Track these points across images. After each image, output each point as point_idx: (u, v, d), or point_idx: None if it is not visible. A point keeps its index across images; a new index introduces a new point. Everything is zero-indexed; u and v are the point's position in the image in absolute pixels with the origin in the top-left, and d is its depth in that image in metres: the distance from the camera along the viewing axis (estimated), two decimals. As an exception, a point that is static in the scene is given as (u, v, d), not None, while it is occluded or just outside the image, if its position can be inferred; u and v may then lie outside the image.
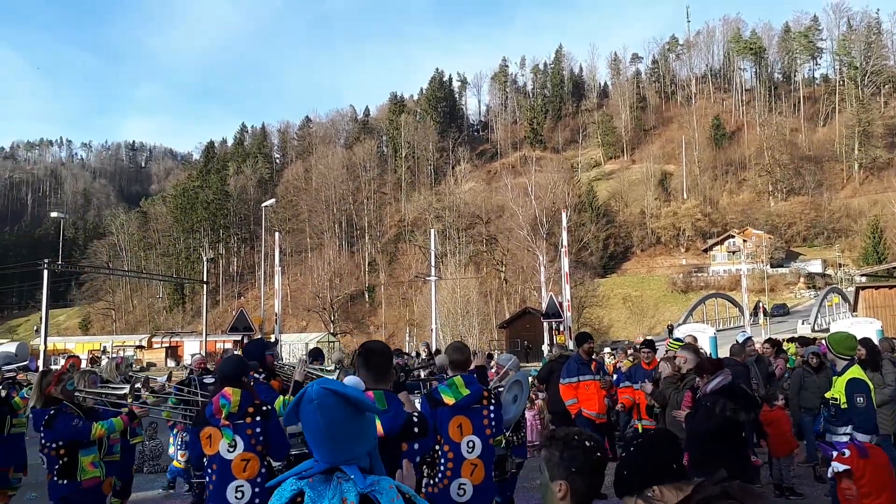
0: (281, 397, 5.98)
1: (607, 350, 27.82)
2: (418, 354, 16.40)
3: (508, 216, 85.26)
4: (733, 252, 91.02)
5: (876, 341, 9.05)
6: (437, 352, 14.78)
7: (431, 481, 4.50)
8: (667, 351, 8.92)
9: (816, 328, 47.42)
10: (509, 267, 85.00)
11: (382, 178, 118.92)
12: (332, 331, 78.86)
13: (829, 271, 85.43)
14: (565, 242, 31.81)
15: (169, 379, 22.90)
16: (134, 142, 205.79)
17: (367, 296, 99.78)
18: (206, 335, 45.43)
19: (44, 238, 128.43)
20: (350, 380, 4.43)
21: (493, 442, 4.73)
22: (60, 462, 5.57)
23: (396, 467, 3.58)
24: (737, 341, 10.77)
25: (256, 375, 5.96)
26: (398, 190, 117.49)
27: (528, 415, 10.50)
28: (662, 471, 2.11)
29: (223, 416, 4.29)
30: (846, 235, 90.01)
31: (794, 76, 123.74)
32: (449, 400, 4.57)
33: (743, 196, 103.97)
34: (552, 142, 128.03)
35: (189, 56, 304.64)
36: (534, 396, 12.06)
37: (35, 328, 74.35)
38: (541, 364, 18.01)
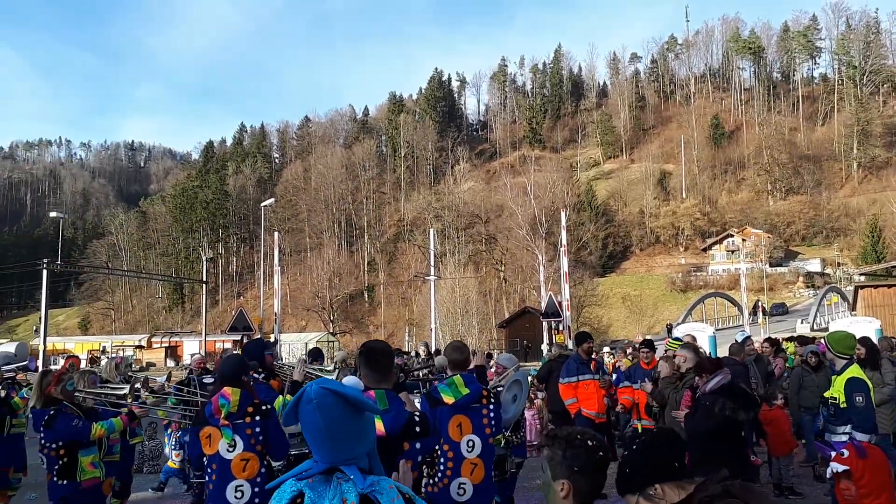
0: (280, 397, 5.98)
1: (606, 349, 27.83)
2: (417, 354, 16.39)
3: (507, 216, 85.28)
4: (732, 251, 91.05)
5: (875, 340, 9.06)
6: (437, 352, 14.78)
7: (431, 481, 4.50)
8: (666, 350, 8.92)
9: (815, 327, 47.43)
10: (508, 266, 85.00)
11: (381, 178, 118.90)
12: (331, 330, 78.81)
13: (828, 270, 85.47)
14: (564, 242, 31.83)
15: (168, 379, 22.89)
16: (133, 141, 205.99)
17: (366, 295, 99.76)
18: (206, 335, 45.42)
19: (43, 238, 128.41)
20: (349, 380, 4.43)
21: (492, 441, 4.73)
22: (60, 462, 5.57)
23: (398, 467, 3.59)
24: (736, 340, 10.78)
25: (256, 375, 5.96)
26: (397, 189, 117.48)
27: (527, 414, 10.50)
28: (664, 469, 2.12)
29: (222, 415, 4.29)
30: (845, 234, 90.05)
31: (793, 75, 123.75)
32: (448, 399, 4.57)
33: (742, 195, 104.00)
34: (551, 141, 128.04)
35: (189, 56, 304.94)
36: (533, 396, 12.06)
37: (34, 328, 74.27)
38: (540, 363, 18.02)
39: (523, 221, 78.40)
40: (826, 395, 6.51)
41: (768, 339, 13.67)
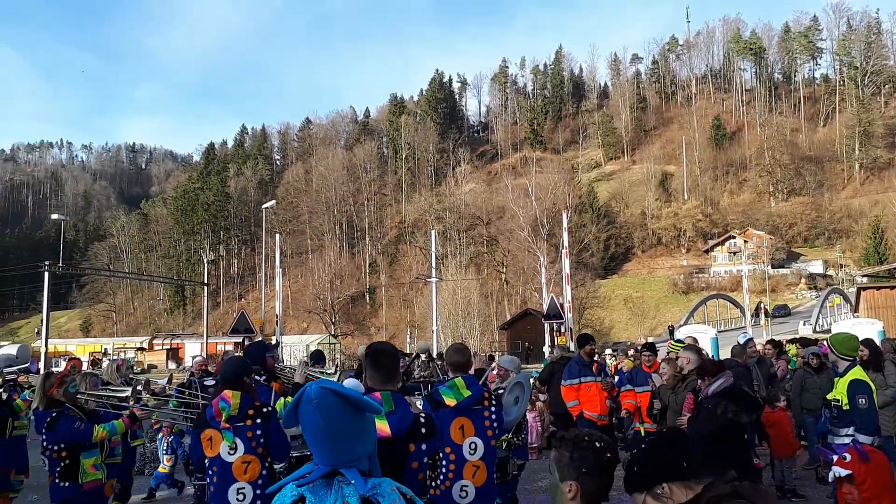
0: (282, 399, 5.98)
1: (608, 351, 27.83)
2: (418, 356, 16.35)
3: (509, 217, 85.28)
4: (734, 253, 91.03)
5: (877, 342, 9.04)
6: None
7: (433, 483, 4.49)
8: (668, 352, 8.91)
9: (818, 329, 47.40)
10: (510, 268, 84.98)
11: (383, 180, 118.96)
12: (332, 332, 78.82)
13: (831, 272, 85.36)
14: (566, 243, 31.80)
15: (169, 381, 22.89)
16: (134, 143, 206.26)
17: (367, 297, 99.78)
18: (207, 337, 45.35)
19: (44, 240, 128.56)
20: (350, 382, 4.43)
21: (494, 443, 4.72)
22: (62, 464, 5.57)
23: (404, 468, 3.59)
24: (738, 342, 10.76)
25: (257, 378, 5.96)
26: (398, 191, 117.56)
27: (528, 416, 10.49)
28: (672, 469, 2.12)
29: (223, 418, 4.29)
30: (847, 236, 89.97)
31: (795, 76, 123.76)
32: (450, 401, 4.56)
33: (743, 196, 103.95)
34: (552, 142, 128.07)
35: (189, 56, 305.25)
36: (534, 398, 12.05)
37: (36, 330, 74.49)
38: (542, 366, 18.00)
39: (525, 223, 78.39)
40: (829, 397, 6.50)
41: (770, 341, 13.66)
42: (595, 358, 10.05)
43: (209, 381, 9.09)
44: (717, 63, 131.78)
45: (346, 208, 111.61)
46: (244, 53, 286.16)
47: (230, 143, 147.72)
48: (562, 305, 29.94)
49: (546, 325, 33.39)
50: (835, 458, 4.69)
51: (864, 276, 57.24)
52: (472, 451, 4.51)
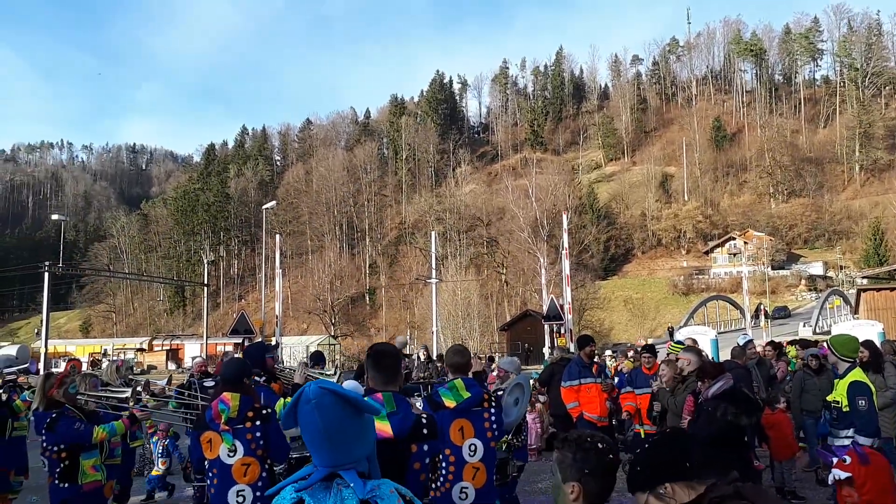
0: (282, 399, 5.98)
1: (608, 353, 27.83)
2: (418, 357, 16.35)
3: (509, 218, 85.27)
4: (734, 254, 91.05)
5: (877, 344, 9.04)
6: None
7: (433, 485, 4.49)
8: (668, 354, 8.90)
9: (818, 330, 47.41)
10: (510, 269, 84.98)
11: (383, 181, 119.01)
12: (332, 333, 78.82)
13: (831, 273, 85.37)
14: (566, 244, 31.81)
15: (169, 382, 22.89)
16: (135, 144, 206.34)
17: (367, 298, 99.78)
18: (207, 338, 45.38)
19: (44, 241, 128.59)
20: (349, 384, 4.43)
21: (494, 445, 4.72)
22: (62, 465, 5.57)
23: (406, 469, 3.59)
24: (738, 344, 10.75)
25: (257, 379, 5.95)
26: (399, 192, 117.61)
27: (528, 417, 10.48)
28: (675, 469, 2.12)
29: (222, 420, 4.29)
30: (847, 237, 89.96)
31: (795, 78, 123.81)
32: (450, 403, 4.56)
33: (744, 198, 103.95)
34: (553, 144, 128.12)
35: (189, 57, 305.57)
36: (534, 400, 12.05)
37: (36, 331, 74.50)
38: (542, 367, 18.00)
39: (525, 224, 78.39)
40: (829, 398, 6.49)
41: (771, 343, 13.65)
42: (595, 359, 10.04)
43: (209, 383, 9.09)
44: (718, 64, 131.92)
45: (346, 209, 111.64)
46: (244, 54, 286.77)
47: (230, 144, 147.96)
48: (562, 307, 29.95)
49: (546, 326, 33.39)
50: (834, 460, 4.69)
51: (864, 277, 57.23)
52: (471, 453, 4.50)
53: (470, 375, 5.09)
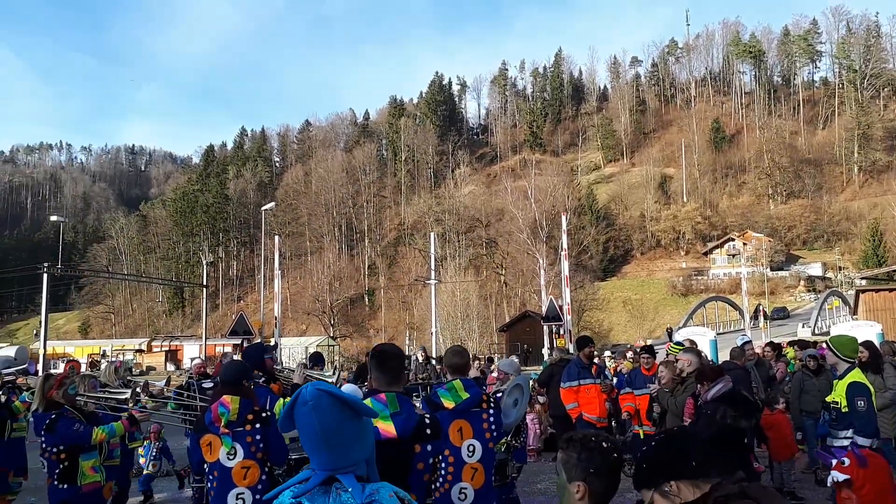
0: (281, 400, 5.97)
1: (608, 353, 27.82)
2: (416, 359, 16.38)
3: (508, 219, 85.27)
4: (733, 255, 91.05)
5: (876, 344, 9.04)
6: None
7: (432, 486, 4.49)
8: (667, 355, 8.90)
9: (817, 331, 47.39)
10: (509, 270, 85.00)
11: (382, 182, 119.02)
12: (331, 334, 78.80)
13: (829, 274, 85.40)
14: (565, 246, 31.80)
15: (168, 383, 22.91)
16: (134, 145, 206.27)
17: (366, 299, 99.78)
18: (206, 339, 45.39)
19: (43, 242, 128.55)
20: (348, 387, 4.43)
21: (492, 446, 4.72)
22: (61, 466, 5.56)
23: (409, 469, 3.59)
24: (737, 345, 10.76)
25: (256, 380, 5.95)
26: (398, 193, 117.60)
27: (526, 418, 10.48)
28: (681, 467, 2.13)
29: (222, 423, 4.28)
30: (846, 238, 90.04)
31: (794, 79, 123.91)
32: (449, 404, 4.56)
33: (743, 199, 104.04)
34: (552, 145, 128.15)
35: (189, 57, 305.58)
36: (533, 400, 12.04)
37: (34, 332, 74.34)
38: (541, 368, 18.00)
39: (524, 225, 78.41)
40: (828, 399, 6.49)
41: (770, 344, 13.65)
42: (594, 360, 10.04)
43: (207, 384, 9.08)
44: (717, 66, 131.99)
45: (345, 210, 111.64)
46: (244, 54, 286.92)
47: (230, 145, 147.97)
48: (561, 307, 29.92)
49: (545, 327, 33.35)
50: (834, 462, 4.69)
51: (862, 278, 57.22)
52: (470, 454, 4.50)
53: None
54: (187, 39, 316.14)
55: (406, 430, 3.60)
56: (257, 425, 4.38)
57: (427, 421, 3.80)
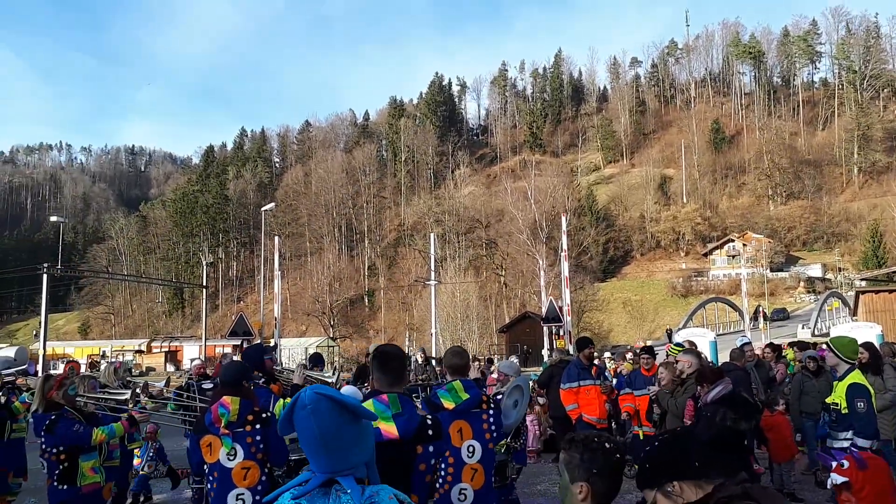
0: (281, 400, 5.98)
1: (608, 354, 27.80)
2: (416, 360, 16.37)
3: (508, 220, 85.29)
4: (733, 256, 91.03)
5: (876, 346, 9.03)
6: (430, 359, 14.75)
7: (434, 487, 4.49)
8: (667, 356, 8.90)
9: (816, 332, 47.40)
10: (509, 271, 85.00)
11: (382, 183, 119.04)
12: (331, 335, 78.78)
13: (829, 275, 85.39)
14: (565, 246, 31.82)
15: (167, 384, 22.89)
16: (133, 146, 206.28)
17: (366, 300, 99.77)
18: (206, 339, 45.39)
19: (43, 242, 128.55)
20: (347, 389, 4.43)
21: (492, 446, 4.72)
22: (61, 467, 5.56)
23: (411, 470, 3.59)
24: (736, 345, 10.77)
25: (256, 381, 5.95)
26: (398, 194, 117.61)
27: (525, 419, 10.48)
28: (684, 467, 2.13)
29: (222, 424, 4.28)
30: (846, 239, 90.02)
31: (794, 80, 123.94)
32: (448, 404, 4.56)
33: (742, 200, 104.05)
34: (552, 146, 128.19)
35: (189, 57, 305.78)
36: (532, 402, 12.04)
37: (34, 333, 74.31)
38: (541, 369, 18.00)
39: (524, 226, 78.42)
40: (827, 400, 6.49)
41: (770, 345, 13.65)
42: (594, 361, 10.04)
43: (207, 384, 9.08)
44: (717, 67, 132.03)
45: (345, 211, 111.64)
46: (244, 54, 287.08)
47: (229, 146, 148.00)
48: (561, 308, 29.94)
49: (545, 328, 33.38)
50: (834, 464, 4.69)
51: (862, 279, 57.16)
52: (470, 454, 4.50)
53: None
54: (187, 39, 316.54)
55: (408, 431, 3.61)
56: (257, 426, 4.38)
57: (429, 422, 3.80)
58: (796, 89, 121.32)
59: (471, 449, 4.51)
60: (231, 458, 4.27)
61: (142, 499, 9.76)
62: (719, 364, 12.23)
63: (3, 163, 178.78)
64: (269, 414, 4.57)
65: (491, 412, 4.69)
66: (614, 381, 11.52)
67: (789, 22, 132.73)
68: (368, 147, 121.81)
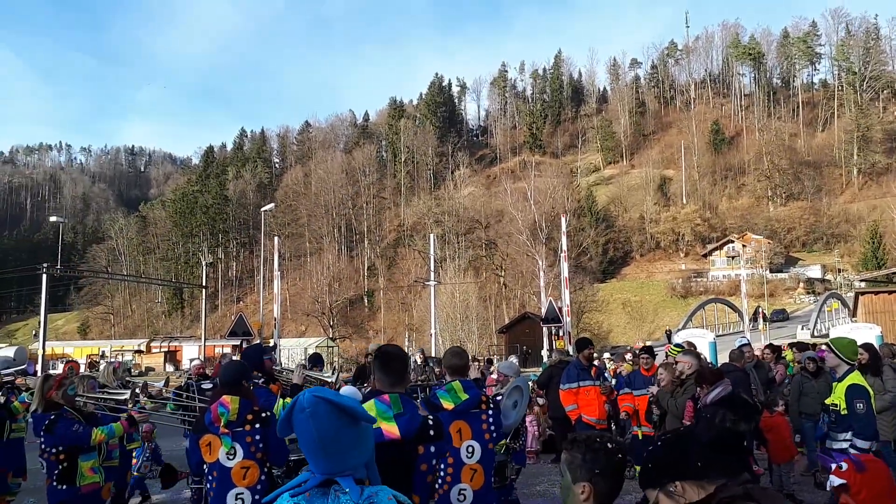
0: (280, 400, 5.97)
1: (607, 355, 27.80)
2: (415, 361, 16.35)
3: (508, 221, 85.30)
4: (732, 257, 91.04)
5: (876, 347, 9.03)
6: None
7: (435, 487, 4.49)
8: (667, 356, 8.90)
9: (816, 333, 47.42)
10: (509, 272, 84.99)
11: (382, 183, 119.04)
12: (330, 335, 78.77)
13: (829, 276, 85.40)
14: (565, 247, 31.82)
15: (167, 384, 22.86)
16: (133, 146, 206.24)
17: (366, 300, 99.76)
18: (205, 340, 45.36)
19: (43, 242, 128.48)
20: (346, 390, 4.43)
21: (492, 447, 4.72)
22: (60, 467, 5.55)
23: (413, 470, 3.59)
24: (735, 346, 10.77)
25: (255, 381, 5.95)
26: (397, 195, 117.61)
27: (525, 420, 10.47)
28: (686, 467, 2.13)
29: (222, 423, 4.28)
30: (845, 240, 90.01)
31: (793, 81, 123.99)
32: (448, 405, 4.56)
33: (742, 201, 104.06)
34: (551, 147, 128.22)
35: (189, 57, 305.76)
36: (532, 402, 12.03)
37: (34, 332, 74.26)
38: (540, 369, 17.99)
39: (523, 227, 78.43)
40: (827, 401, 6.48)
41: (769, 346, 13.65)
42: (594, 362, 10.04)
43: (206, 384, 9.08)
44: (716, 68, 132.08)
45: (344, 211, 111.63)
46: (244, 54, 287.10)
47: (229, 146, 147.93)
48: (560, 309, 29.95)
49: (544, 328, 33.38)
50: (833, 466, 4.68)
51: (862, 280, 57.17)
52: (469, 455, 4.50)
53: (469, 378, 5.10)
54: (187, 39, 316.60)
55: (409, 432, 3.61)
56: (257, 425, 4.38)
57: (430, 422, 3.81)
58: (796, 90, 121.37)
59: (470, 449, 4.51)
60: (230, 457, 4.27)
61: (140, 499, 9.75)
62: (719, 365, 12.24)
63: (2, 163, 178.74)
64: (268, 413, 4.57)
65: (490, 413, 4.69)
66: (613, 381, 11.52)
67: (789, 23, 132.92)
68: (368, 148, 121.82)
